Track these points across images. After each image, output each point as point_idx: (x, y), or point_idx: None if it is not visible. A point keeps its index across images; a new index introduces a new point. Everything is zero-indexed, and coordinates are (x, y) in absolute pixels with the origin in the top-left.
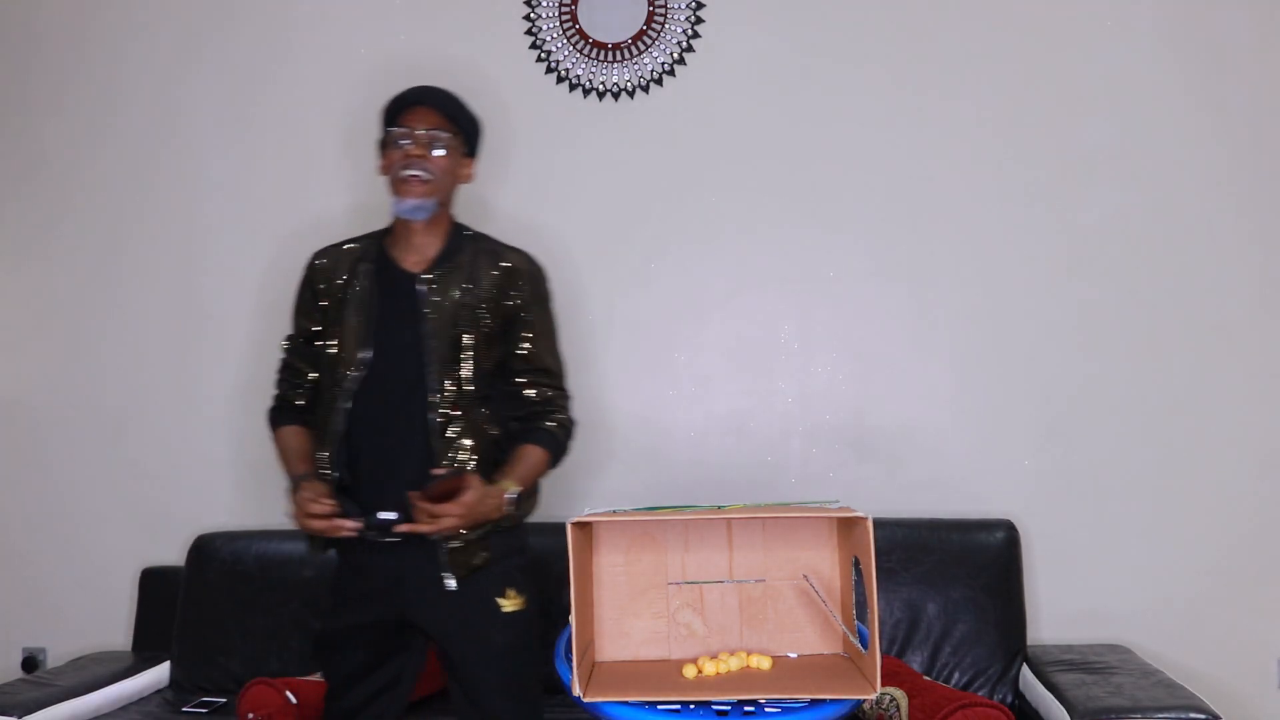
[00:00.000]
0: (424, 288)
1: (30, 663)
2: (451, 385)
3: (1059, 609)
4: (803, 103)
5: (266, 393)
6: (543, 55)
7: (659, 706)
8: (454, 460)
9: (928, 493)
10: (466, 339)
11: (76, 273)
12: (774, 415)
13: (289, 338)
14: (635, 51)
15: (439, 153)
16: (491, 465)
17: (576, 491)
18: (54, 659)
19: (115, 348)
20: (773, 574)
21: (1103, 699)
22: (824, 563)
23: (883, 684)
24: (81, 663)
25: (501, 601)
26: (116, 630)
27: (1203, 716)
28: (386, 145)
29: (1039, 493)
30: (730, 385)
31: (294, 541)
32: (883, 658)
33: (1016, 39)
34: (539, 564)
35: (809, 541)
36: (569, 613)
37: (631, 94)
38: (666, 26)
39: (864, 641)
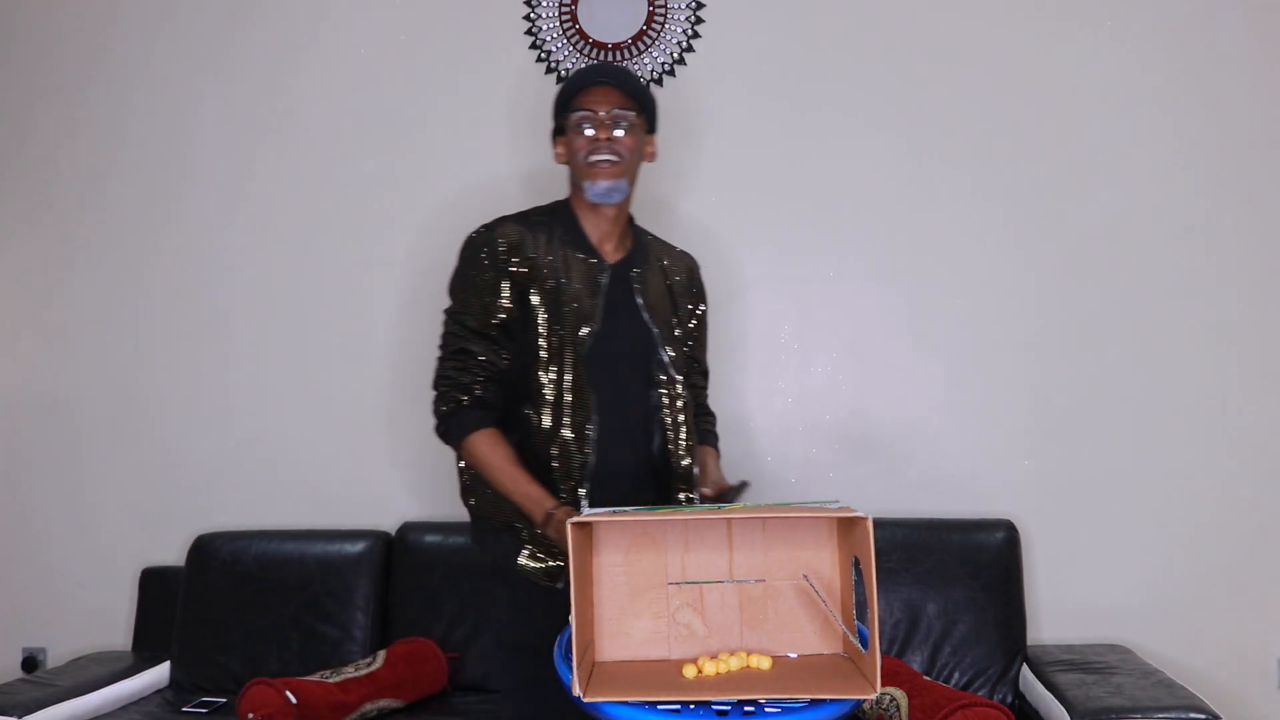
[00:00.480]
0: (638, 281)
1: (30, 663)
2: (678, 384)
3: (1059, 609)
4: (802, 102)
5: (267, 393)
6: (543, 55)
7: (659, 706)
8: (683, 453)
9: (928, 493)
10: (675, 332)
11: (77, 274)
12: (774, 415)
13: (458, 322)
14: (635, 51)
15: (624, 133)
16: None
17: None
18: (54, 659)
19: (116, 349)
20: (773, 574)
21: (1103, 699)
22: (824, 563)
23: (883, 684)
24: (81, 663)
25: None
26: (116, 630)
27: (1203, 716)
28: (565, 131)
29: (1039, 493)
30: (730, 385)
31: (294, 541)
32: (883, 658)
33: (1016, 39)
34: None
35: (809, 541)
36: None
37: None
38: (666, 26)
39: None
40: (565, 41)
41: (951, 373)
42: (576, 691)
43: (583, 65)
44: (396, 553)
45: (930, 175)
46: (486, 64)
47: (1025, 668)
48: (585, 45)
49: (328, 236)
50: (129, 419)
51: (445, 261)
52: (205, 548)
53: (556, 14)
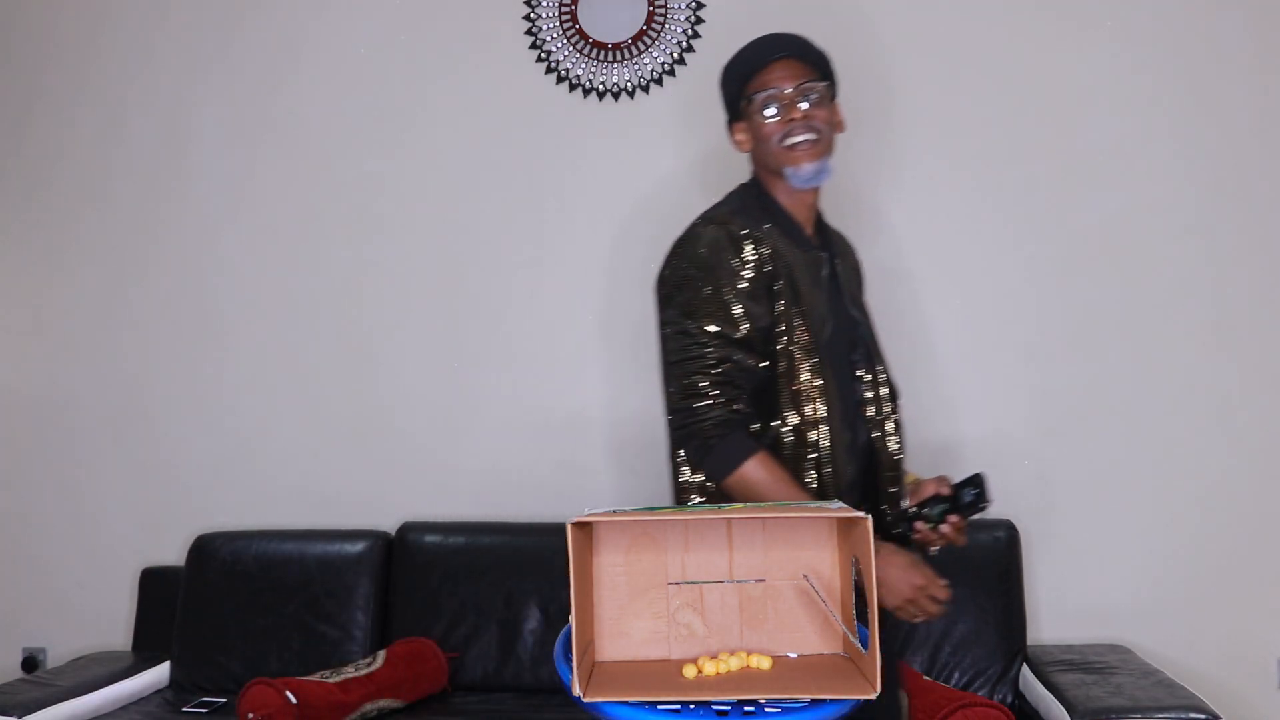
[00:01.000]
0: (835, 265)
1: (30, 663)
2: (885, 372)
3: (1059, 609)
4: None
5: (267, 393)
6: (543, 55)
7: (659, 706)
8: (893, 444)
9: None
10: (871, 322)
11: (78, 273)
12: None
13: (694, 335)
14: (635, 51)
15: (816, 107)
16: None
17: (576, 492)
18: (54, 659)
19: (116, 348)
20: (773, 574)
21: (1103, 699)
22: (824, 563)
23: None
24: (81, 663)
25: None
26: (116, 630)
27: (1203, 716)
28: (748, 114)
29: (1039, 493)
30: None
31: (294, 541)
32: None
33: (1016, 38)
34: (539, 564)
35: (809, 541)
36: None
37: (631, 94)
38: (666, 26)
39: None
40: (565, 41)
41: (950, 373)
42: (576, 691)
43: (573, 66)
44: (396, 553)
45: (930, 174)
46: (486, 64)
47: (1025, 668)
48: (585, 45)
49: (327, 236)
50: (129, 419)
51: (446, 261)
52: (205, 548)
53: (556, 14)
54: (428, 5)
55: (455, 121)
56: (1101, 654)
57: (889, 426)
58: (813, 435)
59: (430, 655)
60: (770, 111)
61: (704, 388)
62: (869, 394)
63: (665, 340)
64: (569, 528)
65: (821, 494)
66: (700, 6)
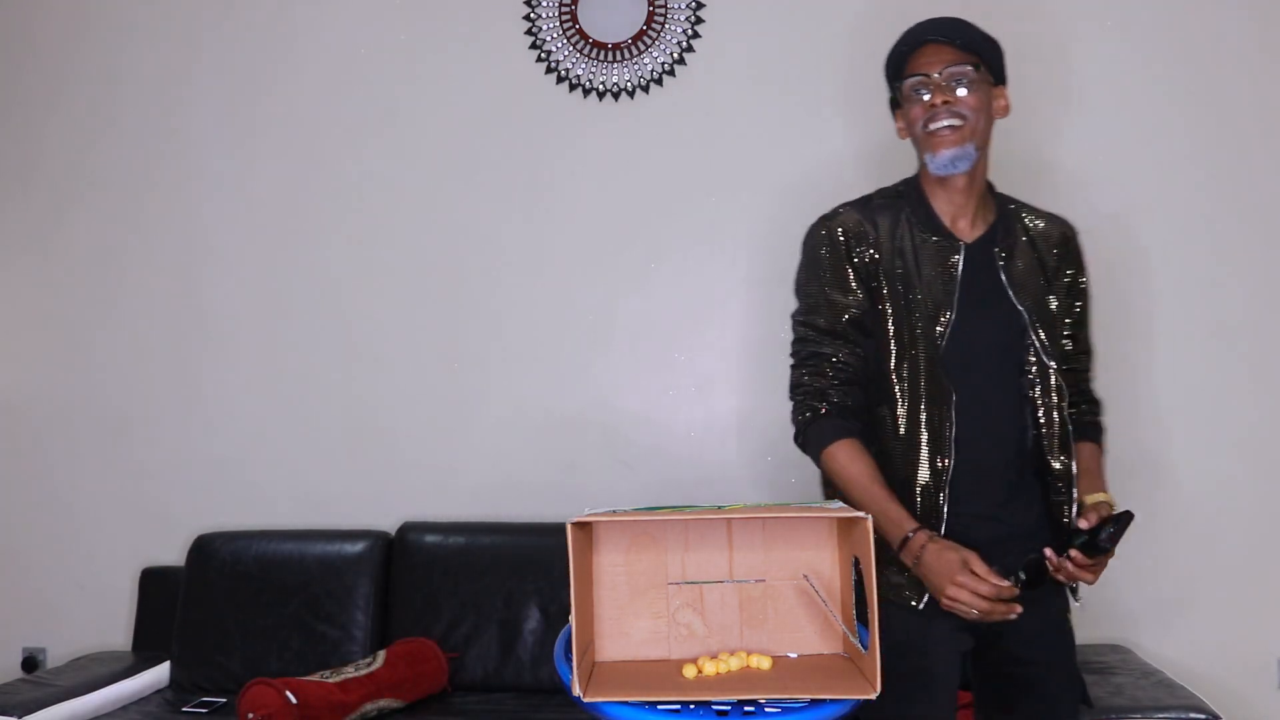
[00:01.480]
0: (1001, 261)
1: (30, 663)
2: (1053, 376)
3: None
4: (802, 102)
5: (267, 393)
6: (543, 55)
7: (659, 706)
8: (1057, 451)
9: None
10: (1055, 326)
11: (76, 272)
12: (773, 415)
13: (807, 324)
14: (635, 51)
15: (964, 91)
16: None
17: (577, 491)
18: (54, 659)
19: (115, 348)
20: (773, 574)
21: (1103, 699)
22: (824, 563)
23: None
24: (81, 663)
25: (1069, 617)
26: (116, 630)
27: (1203, 716)
28: (901, 103)
29: None
30: (730, 385)
31: (294, 541)
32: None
33: (1016, 38)
34: (539, 564)
35: (809, 541)
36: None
37: (631, 94)
38: (666, 26)
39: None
40: (565, 41)
41: None
42: (576, 691)
43: (573, 66)
44: (396, 553)
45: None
46: (486, 64)
47: None
48: (585, 45)
49: (327, 236)
50: (129, 419)
51: (445, 261)
52: (205, 548)
53: (556, 14)
54: (427, 5)
55: (454, 121)
56: (1101, 654)
57: (1051, 430)
58: (902, 429)
59: (430, 655)
60: (918, 96)
61: (799, 375)
62: (1029, 393)
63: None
64: (569, 528)
65: (904, 487)
66: (700, 6)
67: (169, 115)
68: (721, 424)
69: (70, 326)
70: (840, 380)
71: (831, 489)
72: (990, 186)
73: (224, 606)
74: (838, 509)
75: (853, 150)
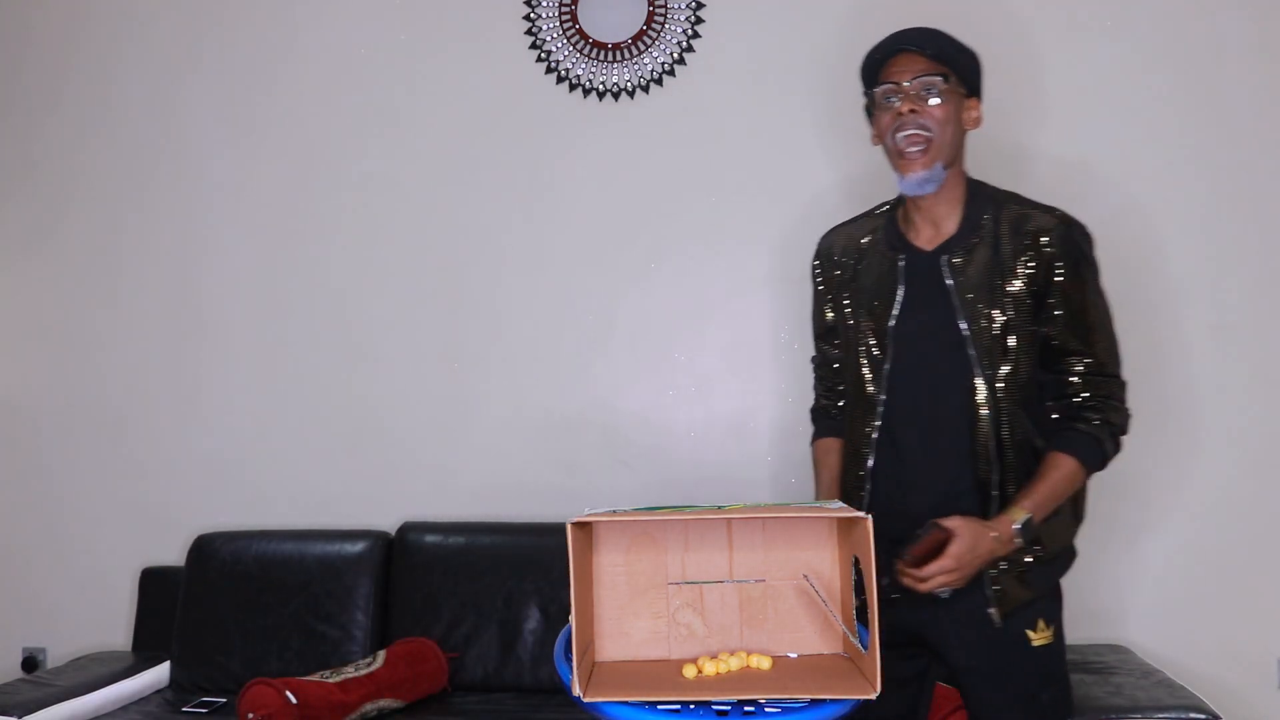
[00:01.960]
0: (948, 267)
1: (30, 663)
2: (997, 383)
3: None
4: (802, 102)
5: (267, 393)
6: (543, 55)
7: (659, 706)
8: (987, 465)
9: None
10: (1008, 323)
11: (76, 272)
12: (773, 415)
13: (813, 334)
14: (635, 51)
15: (935, 102)
16: (1028, 479)
17: (577, 491)
18: (54, 659)
19: (115, 348)
20: (773, 574)
21: (1103, 699)
22: (824, 563)
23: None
24: (81, 663)
25: (1030, 634)
26: (116, 630)
27: (1203, 716)
28: (874, 109)
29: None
30: (730, 385)
31: (294, 541)
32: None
33: (1016, 38)
34: (539, 564)
35: (809, 541)
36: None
37: (631, 94)
38: (666, 26)
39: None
40: (565, 41)
41: None
42: (576, 691)
43: (573, 66)
44: (396, 553)
45: None
46: (486, 64)
47: None
48: (585, 45)
49: (327, 236)
50: (129, 419)
51: (445, 261)
52: (205, 548)
53: (556, 14)
54: (427, 5)
55: (454, 121)
56: (1101, 654)
57: (984, 441)
58: (847, 427)
59: (430, 655)
60: (888, 104)
61: (814, 375)
62: (969, 401)
63: None
64: (569, 528)
65: (848, 484)
66: (700, 6)
67: (169, 115)
68: (721, 424)
69: (70, 326)
70: (823, 386)
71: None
72: (975, 187)
73: (224, 606)
74: (838, 509)
75: (852, 150)
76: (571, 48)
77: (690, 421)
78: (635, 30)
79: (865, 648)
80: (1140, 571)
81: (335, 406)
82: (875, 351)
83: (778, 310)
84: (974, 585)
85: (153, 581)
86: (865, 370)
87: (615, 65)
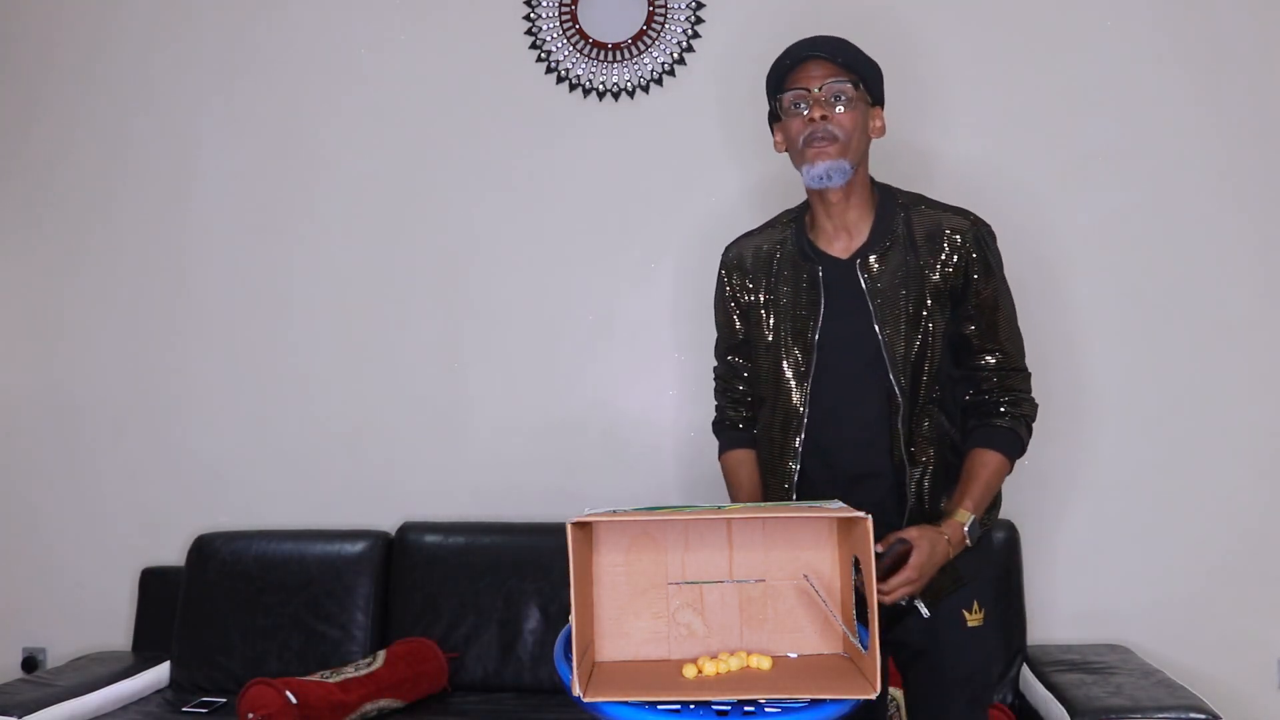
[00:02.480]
0: (864, 273)
1: (30, 663)
2: (915, 385)
3: (1059, 609)
4: None
5: (267, 393)
6: (543, 55)
7: (659, 706)
8: (905, 466)
9: None
10: (924, 324)
11: (76, 272)
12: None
13: (715, 347)
14: (635, 51)
15: (842, 109)
16: (948, 474)
17: (576, 491)
18: (54, 659)
19: (115, 348)
20: (773, 574)
21: (1103, 699)
22: (824, 563)
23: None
24: (81, 663)
25: (966, 615)
26: (116, 630)
27: (1203, 716)
28: (780, 116)
29: (1039, 493)
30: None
31: (294, 541)
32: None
33: (1016, 38)
34: (539, 564)
35: (809, 541)
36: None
37: (631, 94)
38: (666, 26)
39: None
40: (565, 41)
41: None
42: (576, 691)
43: (573, 66)
44: (396, 553)
45: (929, 175)
46: (486, 64)
47: (1025, 668)
48: (585, 45)
49: (327, 236)
50: (130, 419)
51: (445, 261)
52: (205, 548)
53: (556, 14)
54: (427, 5)
55: (454, 121)
56: (1101, 654)
57: (901, 444)
58: (764, 441)
59: (430, 655)
60: (797, 110)
61: (715, 390)
62: (889, 409)
63: None
64: (569, 528)
65: (773, 496)
66: (700, 6)
67: (168, 114)
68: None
69: (70, 326)
70: (731, 399)
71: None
72: (884, 192)
73: (224, 606)
74: (838, 509)
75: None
76: (571, 48)
77: (690, 421)
78: (635, 30)
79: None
80: (1140, 571)
81: (335, 406)
82: (800, 363)
83: None
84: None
85: (153, 581)
86: (790, 382)
87: (615, 65)
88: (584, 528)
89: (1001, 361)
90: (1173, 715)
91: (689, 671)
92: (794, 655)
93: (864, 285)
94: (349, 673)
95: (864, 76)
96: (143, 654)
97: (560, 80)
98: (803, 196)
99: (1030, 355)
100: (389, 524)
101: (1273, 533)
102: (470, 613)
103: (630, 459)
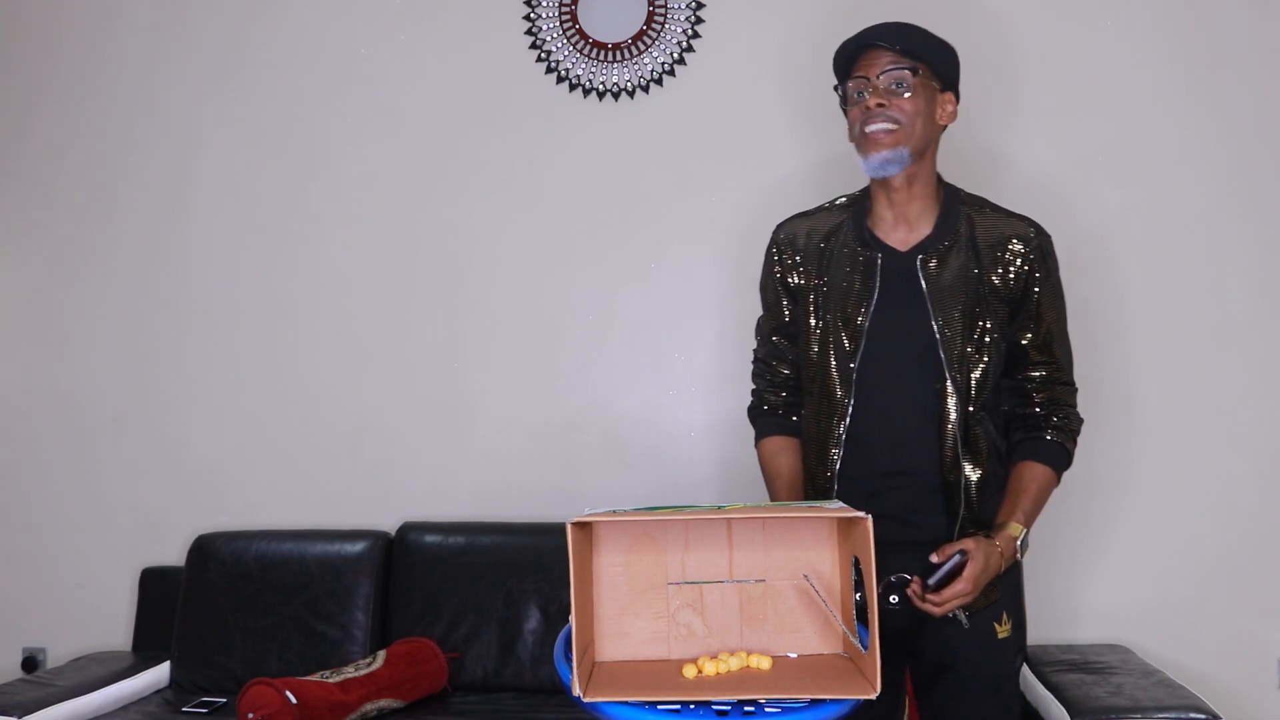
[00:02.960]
0: (924, 269)
1: (30, 663)
2: (968, 387)
3: (1059, 609)
4: (802, 102)
5: (267, 393)
6: (543, 55)
7: (659, 706)
8: (953, 471)
9: None
10: (980, 328)
11: (78, 273)
12: None
13: (759, 327)
14: (635, 51)
15: (904, 95)
16: (996, 482)
17: (576, 491)
18: (54, 659)
19: (115, 347)
20: (773, 574)
21: (1103, 699)
22: (824, 563)
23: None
24: (81, 663)
25: (997, 628)
26: (116, 630)
27: (1203, 716)
28: (846, 104)
29: None
30: (730, 385)
31: (294, 541)
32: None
33: (1016, 38)
34: (539, 564)
35: (809, 541)
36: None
37: (631, 94)
38: (666, 26)
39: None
40: (565, 42)
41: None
42: (576, 691)
43: (573, 66)
44: (396, 553)
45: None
46: (486, 64)
47: (1025, 668)
48: (585, 45)
49: (327, 236)
50: (130, 419)
51: (445, 261)
52: (205, 548)
53: (556, 14)
54: (427, 5)
55: (455, 121)
56: (1101, 654)
57: (955, 448)
58: (809, 430)
59: (430, 655)
60: (857, 98)
61: (753, 372)
62: (942, 409)
63: None
64: (569, 528)
65: (809, 484)
66: (700, 6)
67: (167, 114)
68: (721, 424)
69: (70, 326)
70: (773, 382)
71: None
72: (949, 190)
73: (224, 606)
74: (838, 509)
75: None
76: (571, 48)
77: (690, 421)
78: (635, 30)
79: (865, 648)
80: (1140, 571)
81: (335, 406)
82: (846, 350)
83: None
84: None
85: (153, 581)
86: (834, 369)
87: (615, 65)
88: (584, 528)
89: (1052, 374)
90: (1173, 715)
91: (689, 671)
92: (794, 655)
93: (923, 280)
94: (349, 673)
95: (931, 61)
96: (143, 654)
97: (560, 80)
98: (823, 191)
99: None
100: (389, 524)
101: (1273, 533)
102: (470, 613)
103: (630, 459)
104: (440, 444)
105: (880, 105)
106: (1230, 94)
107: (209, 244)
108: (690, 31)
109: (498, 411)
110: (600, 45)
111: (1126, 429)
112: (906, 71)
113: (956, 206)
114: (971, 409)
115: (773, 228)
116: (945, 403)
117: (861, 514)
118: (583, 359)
